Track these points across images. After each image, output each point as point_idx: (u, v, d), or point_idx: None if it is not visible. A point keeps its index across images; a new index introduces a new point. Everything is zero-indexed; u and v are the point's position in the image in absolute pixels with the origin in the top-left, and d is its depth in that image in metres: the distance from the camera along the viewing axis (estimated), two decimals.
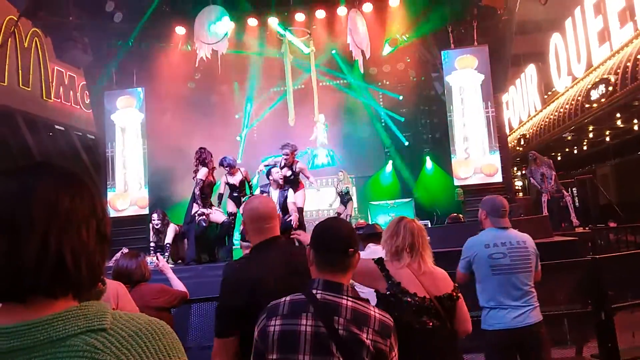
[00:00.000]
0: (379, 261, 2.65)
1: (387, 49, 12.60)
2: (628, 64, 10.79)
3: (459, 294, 2.62)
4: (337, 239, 1.93)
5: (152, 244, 8.09)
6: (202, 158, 7.80)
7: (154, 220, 8.00)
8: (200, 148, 7.95)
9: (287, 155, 8.14)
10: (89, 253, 0.87)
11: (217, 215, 7.75)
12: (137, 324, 0.84)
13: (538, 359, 3.33)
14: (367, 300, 1.89)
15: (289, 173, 8.16)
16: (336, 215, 10.95)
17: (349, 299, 1.82)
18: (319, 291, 1.84)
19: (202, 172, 7.66)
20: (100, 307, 0.85)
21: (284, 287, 2.06)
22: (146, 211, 11.01)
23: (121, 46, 11.57)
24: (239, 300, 2.12)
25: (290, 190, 7.82)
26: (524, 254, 3.37)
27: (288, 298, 1.88)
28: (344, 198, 10.99)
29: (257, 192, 7.93)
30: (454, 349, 2.63)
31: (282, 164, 8.19)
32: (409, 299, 2.48)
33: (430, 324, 2.46)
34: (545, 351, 3.38)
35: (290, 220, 7.46)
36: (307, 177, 8.74)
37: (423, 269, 2.61)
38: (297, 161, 8.44)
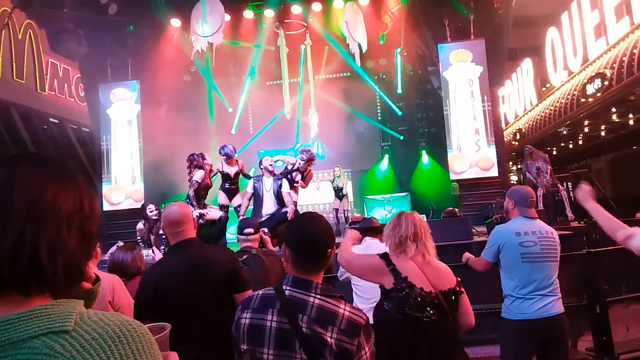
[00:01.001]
0: (384, 256, 2.65)
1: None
2: (624, 58, 10.80)
3: (462, 289, 2.64)
4: (315, 241, 1.90)
5: (138, 239, 7.85)
6: (195, 164, 7.66)
7: (151, 211, 7.84)
8: (191, 155, 7.79)
9: (303, 160, 8.11)
10: (68, 253, 0.83)
11: (214, 213, 7.64)
12: (104, 326, 0.79)
13: (558, 350, 3.34)
14: (339, 298, 1.87)
15: (298, 177, 8.09)
16: (333, 210, 10.94)
17: (317, 296, 1.81)
18: (287, 287, 1.85)
19: (199, 174, 7.54)
20: (68, 306, 0.81)
21: (186, 287, 2.52)
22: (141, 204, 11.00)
23: (116, 38, 11.50)
24: (145, 296, 2.55)
25: (284, 180, 7.77)
26: (552, 244, 3.41)
27: (260, 292, 1.91)
28: (339, 194, 10.97)
29: (250, 183, 7.80)
30: (458, 342, 2.64)
31: (295, 167, 8.13)
32: (415, 294, 2.49)
33: (436, 318, 2.47)
34: (566, 342, 3.40)
35: (286, 212, 7.43)
36: (305, 185, 8.65)
37: (427, 260, 2.65)
38: (311, 170, 8.46)
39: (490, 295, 3.65)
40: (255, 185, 7.63)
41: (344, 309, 1.81)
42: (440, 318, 2.49)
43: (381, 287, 2.61)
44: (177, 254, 2.71)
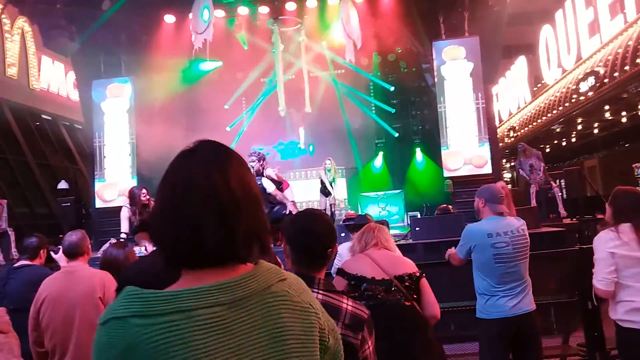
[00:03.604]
0: (339, 270, 2.73)
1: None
2: (617, 56, 10.85)
3: (422, 276, 2.70)
4: (316, 241, 1.91)
5: (122, 235, 7.21)
6: None
7: (144, 195, 7.49)
8: None
9: (253, 162, 7.74)
10: (265, 229, 1.05)
11: None
12: (292, 275, 1.09)
13: (532, 346, 3.38)
14: (341, 293, 1.88)
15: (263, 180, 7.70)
16: (328, 207, 10.44)
17: (320, 292, 1.81)
18: None
19: None
20: (270, 265, 1.06)
21: (153, 283, 2.53)
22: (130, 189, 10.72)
23: (109, 34, 11.42)
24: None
25: (264, 179, 7.57)
26: (523, 242, 3.41)
27: None
28: (325, 190, 10.30)
29: None
30: (425, 332, 2.63)
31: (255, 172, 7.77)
32: (367, 284, 2.56)
33: (393, 301, 2.53)
34: (538, 339, 3.44)
35: (281, 211, 7.38)
36: (282, 182, 8.17)
37: (381, 251, 2.75)
38: (266, 167, 8.00)
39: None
40: None
41: (347, 304, 1.81)
42: (399, 302, 2.54)
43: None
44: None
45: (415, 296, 2.63)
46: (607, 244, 3.00)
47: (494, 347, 3.39)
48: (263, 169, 7.89)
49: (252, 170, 7.62)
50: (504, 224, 3.42)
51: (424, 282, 2.68)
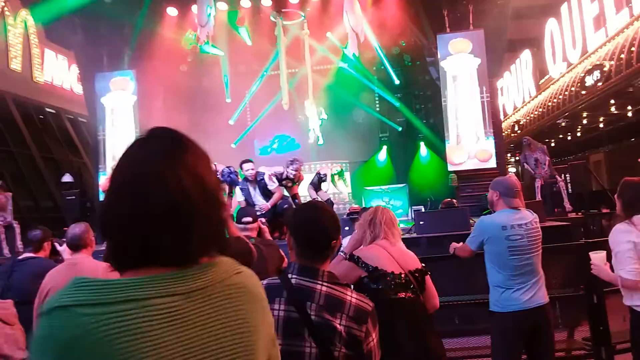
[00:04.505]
0: (351, 257, 2.72)
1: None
2: (623, 50, 10.77)
3: (427, 271, 2.77)
4: (320, 233, 1.90)
5: None
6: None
7: None
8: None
9: (296, 171, 7.98)
10: (223, 229, 1.02)
11: None
12: (248, 269, 1.06)
13: (545, 339, 3.36)
14: (346, 286, 1.87)
15: (290, 184, 8.07)
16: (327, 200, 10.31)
17: (324, 284, 1.81)
18: (294, 276, 1.84)
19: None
20: (228, 259, 1.02)
21: None
22: None
23: (112, 28, 11.41)
24: None
25: (266, 176, 7.63)
26: (537, 235, 3.39)
27: (265, 282, 1.87)
28: (321, 183, 10.16)
29: (238, 192, 7.67)
30: (431, 321, 2.73)
31: (284, 176, 8.00)
32: (388, 278, 2.58)
33: (407, 296, 2.59)
34: (552, 332, 3.43)
35: (285, 206, 7.38)
36: (297, 196, 8.50)
37: (394, 245, 2.76)
38: (303, 177, 8.39)
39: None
40: (244, 193, 7.57)
41: (351, 296, 1.81)
42: (412, 297, 2.61)
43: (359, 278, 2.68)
44: None
45: (422, 289, 2.70)
46: (626, 235, 3.00)
47: (507, 340, 3.37)
48: (300, 177, 8.24)
49: (291, 175, 7.97)
50: (518, 217, 3.39)
51: (428, 276, 2.76)
